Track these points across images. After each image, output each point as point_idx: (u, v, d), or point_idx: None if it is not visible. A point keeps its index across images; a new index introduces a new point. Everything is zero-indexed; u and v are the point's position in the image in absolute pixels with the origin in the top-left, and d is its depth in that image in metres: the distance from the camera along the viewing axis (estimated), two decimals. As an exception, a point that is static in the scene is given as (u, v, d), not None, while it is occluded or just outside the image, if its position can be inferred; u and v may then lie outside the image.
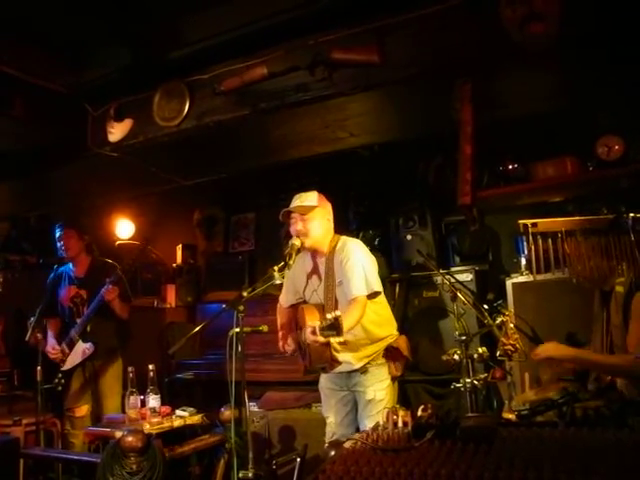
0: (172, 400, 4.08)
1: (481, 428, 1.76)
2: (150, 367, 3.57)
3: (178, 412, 3.61)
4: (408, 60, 2.98)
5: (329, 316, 2.65)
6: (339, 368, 3.13)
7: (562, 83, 3.28)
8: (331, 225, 3.24)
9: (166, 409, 3.58)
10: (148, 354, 4.47)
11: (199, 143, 3.87)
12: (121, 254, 4.74)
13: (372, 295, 3.08)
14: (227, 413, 3.47)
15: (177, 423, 3.52)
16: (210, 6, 3.16)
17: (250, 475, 2.65)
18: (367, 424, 2.86)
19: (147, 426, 3.33)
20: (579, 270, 2.78)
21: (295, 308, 3.34)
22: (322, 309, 3.09)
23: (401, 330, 3.32)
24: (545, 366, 2.76)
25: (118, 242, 5.27)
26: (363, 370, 3.11)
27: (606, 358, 2.68)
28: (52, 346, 4.23)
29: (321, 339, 2.77)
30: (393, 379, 3.16)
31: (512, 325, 2.78)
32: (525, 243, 3.30)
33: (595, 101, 3.56)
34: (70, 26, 3.27)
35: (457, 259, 4.52)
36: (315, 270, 3.25)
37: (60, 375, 4.08)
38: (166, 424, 3.46)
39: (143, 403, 3.55)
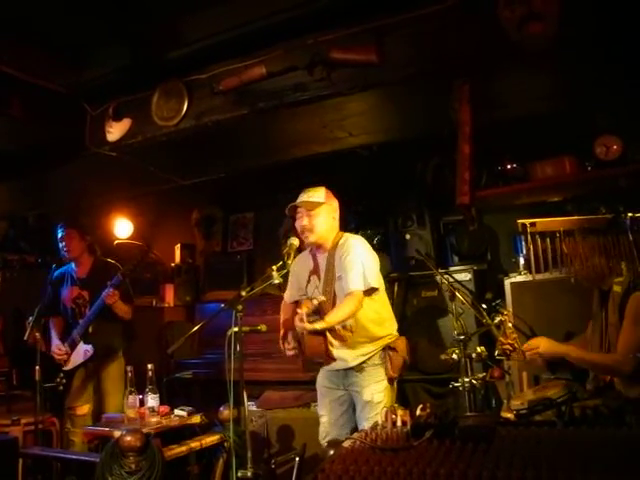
0: (171, 399, 4.09)
1: (480, 427, 1.76)
2: (149, 367, 3.57)
3: (177, 411, 3.62)
4: (407, 60, 2.98)
5: (315, 302, 2.69)
6: (335, 365, 3.13)
7: (560, 83, 3.28)
8: (336, 222, 3.26)
9: (165, 408, 3.58)
10: (147, 354, 4.48)
11: (198, 143, 3.87)
12: (120, 254, 4.74)
13: (370, 291, 3.08)
14: (226, 412, 3.48)
15: (176, 422, 3.52)
16: (209, 6, 3.16)
17: (249, 474, 2.65)
18: (365, 426, 2.85)
19: (146, 426, 3.33)
20: (577, 269, 2.79)
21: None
22: (320, 303, 3.09)
23: (400, 329, 3.31)
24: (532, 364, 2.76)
25: (117, 242, 5.26)
26: (359, 369, 3.09)
27: (595, 357, 2.69)
28: (58, 347, 4.21)
29: (308, 326, 2.84)
30: (390, 380, 3.13)
31: (510, 324, 2.78)
32: (524, 243, 3.32)
33: (593, 101, 3.56)
34: (69, 26, 3.27)
35: (456, 259, 4.53)
36: (317, 266, 3.27)
37: (62, 375, 4.08)
38: (165, 423, 3.46)
39: (142, 402, 3.55)
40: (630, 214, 2.66)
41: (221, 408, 3.59)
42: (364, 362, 3.10)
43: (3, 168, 4.40)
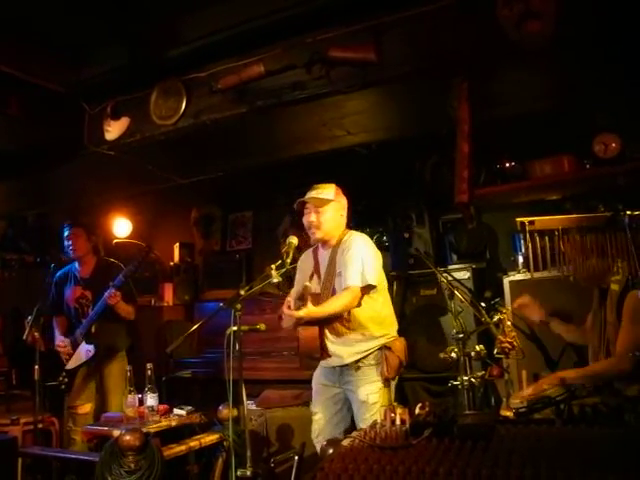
0: (170, 399, 4.09)
1: (479, 426, 1.76)
2: (148, 366, 3.57)
3: (176, 411, 3.62)
4: (405, 58, 2.98)
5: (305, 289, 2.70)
6: (331, 362, 3.11)
7: (559, 82, 3.29)
8: (344, 220, 3.26)
9: (164, 408, 3.58)
10: (146, 353, 4.48)
11: (196, 141, 3.87)
12: (120, 253, 4.74)
13: (369, 289, 3.08)
14: (225, 411, 3.48)
15: (175, 422, 3.52)
16: (207, 5, 3.16)
17: (248, 473, 2.66)
18: (362, 427, 2.85)
19: (145, 425, 3.33)
20: (576, 268, 2.79)
21: None
22: (319, 298, 3.09)
23: (399, 328, 3.29)
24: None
25: (115, 241, 5.26)
26: (355, 368, 3.07)
27: (592, 367, 2.70)
28: (61, 340, 4.25)
29: (295, 313, 2.87)
30: (386, 381, 3.09)
31: (509, 323, 2.78)
32: (522, 241, 3.32)
33: (592, 100, 3.56)
34: (67, 25, 3.28)
35: (454, 257, 4.53)
36: (318, 264, 3.27)
37: (64, 373, 4.08)
38: (164, 423, 3.46)
39: (141, 402, 3.55)
40: (629, 212, 2.65)
41: (220, 407, 3.59)
42: (360, 360, 3.07)
43: (1, 168, 4.40)
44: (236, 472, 2.68)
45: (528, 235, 2.83)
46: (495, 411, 2.67)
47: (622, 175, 3.68)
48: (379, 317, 3.15)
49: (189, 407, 3.66)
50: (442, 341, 4.04)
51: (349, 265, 3.05)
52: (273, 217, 5.57)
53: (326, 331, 3.09)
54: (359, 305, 3.06)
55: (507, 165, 4.06)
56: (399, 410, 2.01)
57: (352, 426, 3.13)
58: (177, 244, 5.87)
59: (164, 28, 3.39)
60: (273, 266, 2.90)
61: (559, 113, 3.68)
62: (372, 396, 3.02)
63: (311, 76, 3.15)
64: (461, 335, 2.90)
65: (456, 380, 2.90)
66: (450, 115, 3.04)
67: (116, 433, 3.22)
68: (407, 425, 1.90)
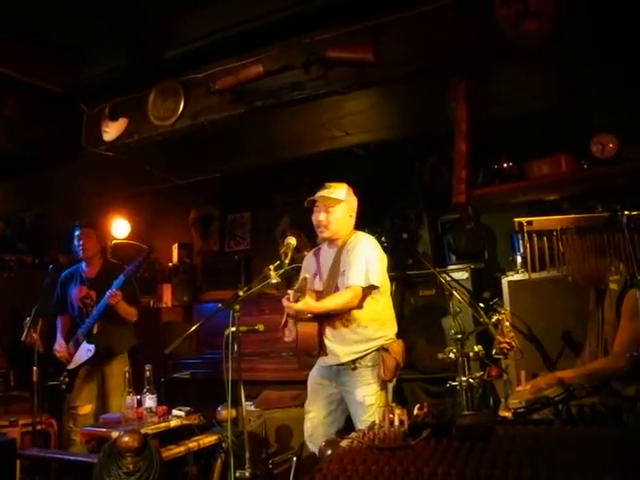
0: (169, 400, 4.08)
1: (477, 426, 1.76)
2: (146, 367, 3.56)
3: (175, 412, 3.61)
4: (402, 58, 2.98)
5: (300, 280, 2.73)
6: (328, 360, 3.10)
7: (557, 82, 3.29)
8: (352, 220, 3.25)
9: (163, 409, 3.58)
10: (144, 354, 4.47)
11: (194, 142, 3.87)
12: (119, 253, 4.75)
13: (371, 290, 3.08)
14: (224, 412, 3.47)
15: (174, 423, 3.51)
16: (205, 5, 3.17)
17: (247, 474, 2.66)
18: (359, 427, 2.84)
19: (144, 426, 3.33)
20: (574, 268, 2.79)
21: None
22: (321, 296, 3.09)
23: (397, 328, 3.30)
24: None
25: (114, 241, 5.26)
26: (351, 368, 3.05)
27: (589, 367, 2.69)
28: (59, 344, 4.25)
29: (294, 305, 2.88)
30: (383, 383, 3.08)
31: (508, 323, 2.78)
32: (521, 241, 3.32)
33: (590, 100, 3.56)
34: (66, 26, 3.28)
35: (453, 257, 4.53)
36: (319, 265, 3.28)
37: (65, 374, 4.09)
38: (163, 424, 3.45)
39: (140, 403, 3.55)
40: (626, 212, 2.66)
41: (219, 408, 3.59)
42: (356, 361, 3.05)
43: (-1, 168, 4.40)
44: (235, 473, 2.69)
45: (526, 235, 2.83)
46: (493, 411, 2.67)
47: (620, 175, 3.68)
48: (380, 319, 3.15)
49: (188, 408, 3.65)
50: (441, 341, 4.04)
51: (353, 264, 3.06)
52: (272, 218, 5.57)
53: (325, 329, 3.09)
54: (360, 305, 3.06)
55: (505, 165, 4.06)
56: (397, 411, 2.01)
57: (345, 427, 3.12)
58: (176, 245, 5.87)
59: (162, 29, 3.39)
60: (271, 267, 2.90)
61: (557, 113, 3.68)
62: (369, 398, 3.01)
63: (309, 77, 3.15)
64: (460, 335, 2.90)
65: (455, 381, 2.90)
66: (448, 115, 3.05)
67: (114, 434, 3.20)
68: (405, 426, 1.89)
